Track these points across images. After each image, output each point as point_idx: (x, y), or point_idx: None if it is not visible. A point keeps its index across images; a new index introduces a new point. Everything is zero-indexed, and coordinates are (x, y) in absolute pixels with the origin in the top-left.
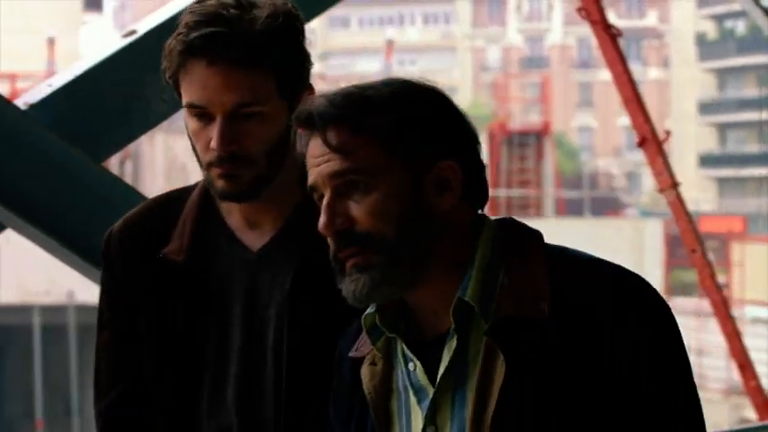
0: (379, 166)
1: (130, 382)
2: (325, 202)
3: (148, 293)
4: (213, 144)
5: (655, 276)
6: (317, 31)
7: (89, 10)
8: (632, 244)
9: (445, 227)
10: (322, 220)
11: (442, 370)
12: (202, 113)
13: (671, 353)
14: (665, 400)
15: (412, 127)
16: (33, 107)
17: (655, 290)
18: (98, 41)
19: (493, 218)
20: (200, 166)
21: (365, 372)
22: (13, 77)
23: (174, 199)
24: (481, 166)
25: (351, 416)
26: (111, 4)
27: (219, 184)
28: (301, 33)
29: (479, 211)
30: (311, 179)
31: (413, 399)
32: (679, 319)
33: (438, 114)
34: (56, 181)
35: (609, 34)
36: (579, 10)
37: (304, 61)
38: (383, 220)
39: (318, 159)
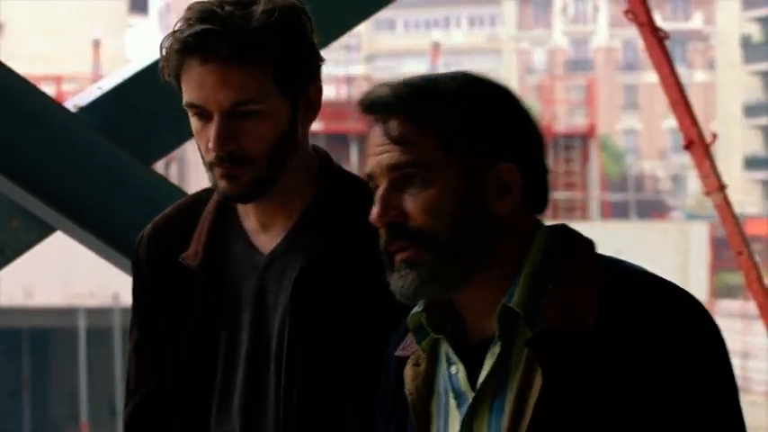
0: (439, 161)
1: (155, 385)
2: (379, 193)
3: (171, 297)
4: (210, 144)
5: (700, 279)
6: (363, 34)
7: (134, 12)
8: (678, 247)
9: (502, 230)
10: (375, 210)
11: (482, 376)
12: (201, 112)
13: (719, 368)
14: (711, 416)
15: (475, 122)
16: (83, 110)
17: (703, 306)
18: (144, 44)
19: (547, 224)
20: (205, 166)
21: (408, 372)
22: (58, 79)
23: (201, 201)
24: (544, 171)
25: (393, 414)
26: (156, 6)
27: (221, 184)
28: (303, 28)
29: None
30: (369, 167)
31: (452, 402)
32: (724, 322)
33: (502, 112)
34: (104, 183)
35: (656, 37)
36: (626, 12)
37: (307, 56)
38: (437, 217)
39: (378, 149)
